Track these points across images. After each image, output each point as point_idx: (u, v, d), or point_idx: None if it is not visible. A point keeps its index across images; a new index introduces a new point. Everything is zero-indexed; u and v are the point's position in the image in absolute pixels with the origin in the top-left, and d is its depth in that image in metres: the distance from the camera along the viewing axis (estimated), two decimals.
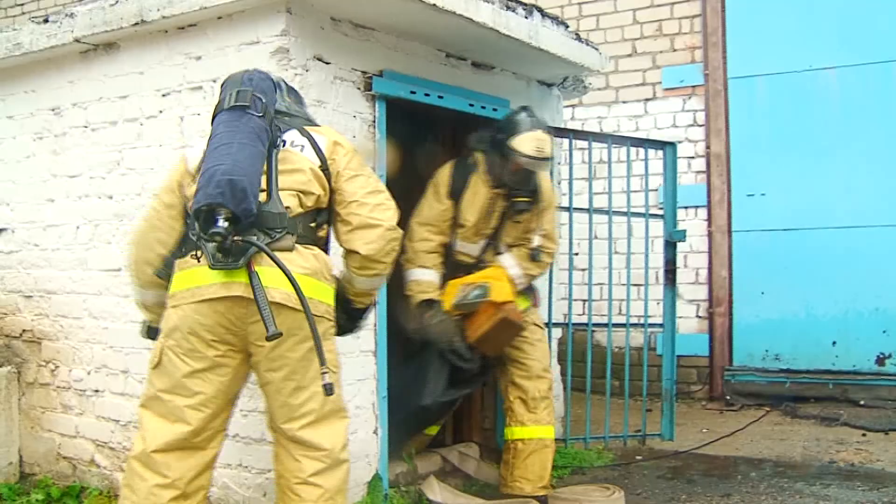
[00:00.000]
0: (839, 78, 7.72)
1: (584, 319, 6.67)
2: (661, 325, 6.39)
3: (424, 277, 5.02)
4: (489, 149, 5.01)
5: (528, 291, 5.27)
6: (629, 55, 8.48)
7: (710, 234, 8.07)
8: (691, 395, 8.05)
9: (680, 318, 8.02)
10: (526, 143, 4.81)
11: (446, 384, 5.02)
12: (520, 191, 4.96)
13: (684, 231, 6.41)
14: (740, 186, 8.00)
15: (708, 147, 8.10)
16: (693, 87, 8.23)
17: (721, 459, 6.16)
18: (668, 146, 6.41)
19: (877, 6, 7.62)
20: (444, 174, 5.09)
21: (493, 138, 4.99)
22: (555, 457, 5.81)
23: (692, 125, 8.21)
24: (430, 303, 4.98)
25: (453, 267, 5.12)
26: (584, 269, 6.76)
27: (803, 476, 5.64)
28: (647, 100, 8.42)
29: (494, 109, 5.67)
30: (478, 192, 5.01)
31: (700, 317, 8.12)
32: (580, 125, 8.49)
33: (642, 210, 6.32)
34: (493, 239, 5.13)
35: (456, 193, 5.03)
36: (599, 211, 6.22)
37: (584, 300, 6.78)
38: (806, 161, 7.68)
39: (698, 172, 8.17)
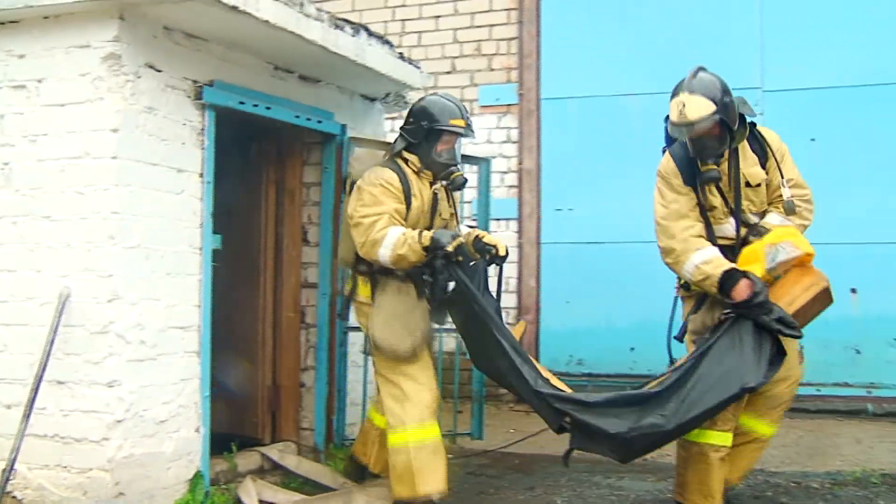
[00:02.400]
0: (641, 104, 8.32)
1: None
2: None
3: (711, 253, 4.58)
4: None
5: None
6: (449, 72, 8.86)
7: (520, 246, 8.52)
8: (500, 398, 8.46)
9: None
10: (671, 109, 4.65)
11: (769, 361, 4.43)
12: (702, 160, 4.61)
13: None
14: (550, 201, 8.50)
15: (520, 163, 8.58)
16: (508, 105, 8.69)
17: (527, 457, 6.54)
18: (482, 162, 6.79)
19: (675, 42, 8.31)
20: (669, 166, 4.83)
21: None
22: None
23: (506, 142, 8.67)
24: (732, 275, 4.45)
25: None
26: None
27: (602, 470, 6.07)
28: None
29: (319, 121, 5.92)
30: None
31: (510, 324, 8.54)
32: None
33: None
34: (734, 214, 4.72)
35: (689, 180, 4.72)
36: None
37: None
38: (611, 179, 8.20)
39: (511, 187, 8.62)
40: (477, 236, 5.03)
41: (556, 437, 6.98)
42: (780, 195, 4.70)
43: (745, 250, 4.59)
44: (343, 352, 6.24)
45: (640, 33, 8.46)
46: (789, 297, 4.48)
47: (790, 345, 4.61)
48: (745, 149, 4.72)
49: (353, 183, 5.07)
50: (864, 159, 7.75)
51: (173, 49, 4.86)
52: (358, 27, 5.72)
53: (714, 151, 4.59)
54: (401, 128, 5.11)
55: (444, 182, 5.08)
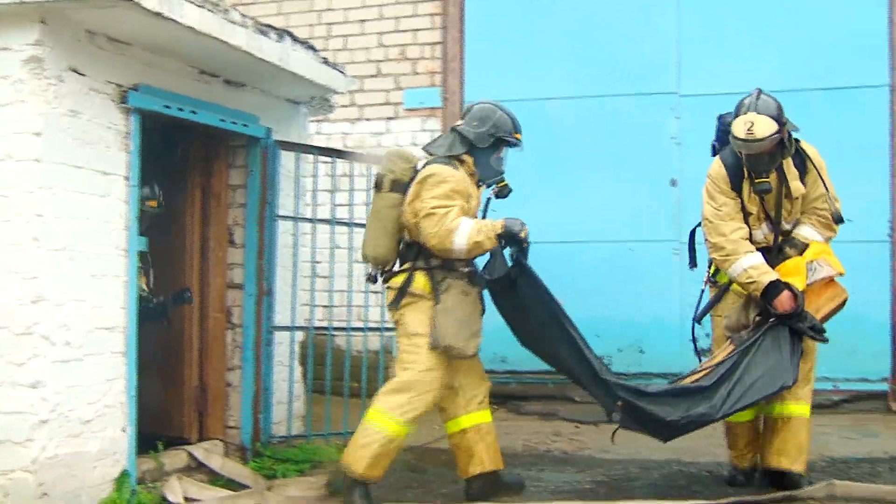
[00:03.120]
0: (564, 107, 8.55)
1: (326, 324, 7.04)
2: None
3: (758, 259, 5.13)
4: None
5: None
6: (374, 76, 8.98)
7: None
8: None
9: None
10: (738, 126, 5.01)
11: (797, 361, 5.08)
12: (757, 173, 5.11)
13: None
14: None
15: None
16: (432, 108, 8.83)
17: (450, 452, 6.67)
18: None
19: (595, 46, 8.56)
20: (721, 172, 5.35)
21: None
22: (296, 452, 6.24)
23: None
24: (777, 285, 5.02)
25: None
26: (326, 277, 7.14)
27: (523, 463, 6.26)
28: (390, 118, 8.94)
29: (244, 125, 6.01)
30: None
31: None
32: (326, 140, 8.88)
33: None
34: (773, 222, 5.27)
35: (736, 186, 5.28)
36: (341, 222, 6.66)
37: (327, 306, 7.17)
38: (535, 182, 8.36)
39: None
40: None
41: None
42: (816, 206, 5.27)
43: (790, 263, 5.18)
44: (269, 351, 6.33)
45: (562, 38, 8.65)
46: (816, 306, 5.15)
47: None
48: (788, 164, 5.22)
49: (393, 181, 5.23)
50: None
51: (97, 53, 4.90)
52: (282, 32, 5.82)
53: (768, 167, 5.12)
54: (460, 130, 5.32)
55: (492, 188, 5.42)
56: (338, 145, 8.81)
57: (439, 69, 8.82)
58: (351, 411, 6.60)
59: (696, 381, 5.23)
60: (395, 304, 5.21)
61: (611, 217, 8.36)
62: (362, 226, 6.57)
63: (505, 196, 5.49)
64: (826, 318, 5.24)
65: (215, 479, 5.73)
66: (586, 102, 8.50)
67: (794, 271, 5.15)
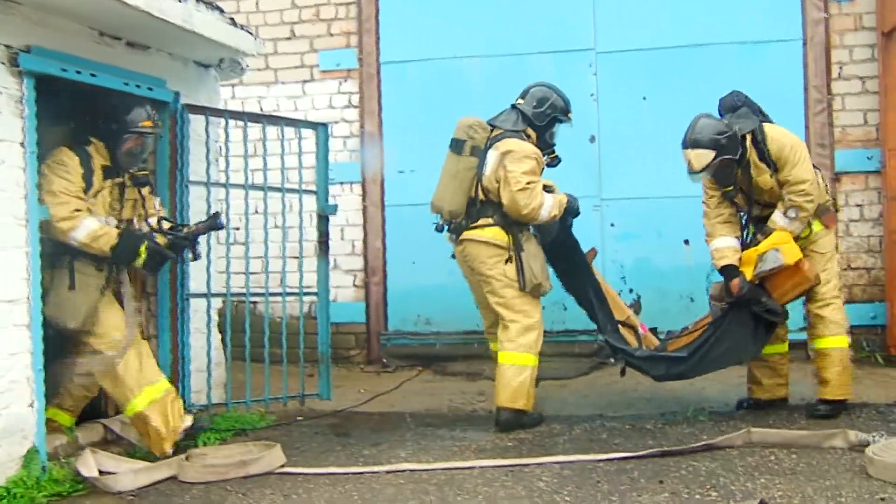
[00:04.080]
0: (479, 66, 8.47)
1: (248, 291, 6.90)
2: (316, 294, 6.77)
3: (721, 244, 5.99)
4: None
5: (822, 213, 5.96)
6: (288, 38, 8.81)
7: (364, 209, 8.59)
8: (351, 360, 8.56)
9: (338, 287, 8.55)
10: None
11: (760, 339, 5.96)
12: (721, 185, 5.94)
13: (335, 205, 6.81)
14: (392, 164, 8.58)
15: (362, 127, 8.61)
16: (348, 70, 8.70)
17: (376, 415, 6.66)
18: (320, 126, 6.79)
19: (510, 4, 8.51)
20: None
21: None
22: (217, 420, 6.15)
23: (348, 106, 8.68)
24: (729, 269, 5.90)
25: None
26: (243, 243, 7.00)
27: (447, 423, 6.27)
28: (305, 81, 8.79)
29: (150, 89, 5.82)
30: None
31: (357, 286, 8.63)
32: (240, 104, 8.73)
33: (299, 187, 6.68)
34: (748, 213, 6.06)
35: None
36: (256, 187, 6.52)
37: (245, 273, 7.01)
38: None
39: (354, 151, 8.66)
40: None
41: (406, 396, 7.23)
42: (789, 193, 5.77)
43: (745, 253, 5.90)
44: (185, 320, 6.18)
45: None
46: (782, 290, 5.86)
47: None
48: (755, 161, 5.86)
49: (473, 147, 6.17)
50: (692, 117, 8.02)
51: None
52: None
53: (728, 178, 5.87)
54: (521, 108, 6.23)
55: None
56: (254, 109, 8.66)
57: (354, 30, 8.69)
58: (273, 378, 6.52)
59: (677, 349, 6.18)
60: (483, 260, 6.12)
61: None
62: (278, 189, 6.55)
63: (555, 165, 6.31)
64: (791, 300, 5.93)
65: (134, 451, 5.61)
66: (503, 60, 8.42)
67: (746, 262, 5.87)
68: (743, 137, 5.82)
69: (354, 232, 8.64)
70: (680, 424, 5.92)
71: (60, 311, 5.23)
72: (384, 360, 8.44)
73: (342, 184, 8.59)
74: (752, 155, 5.85)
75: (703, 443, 5.25)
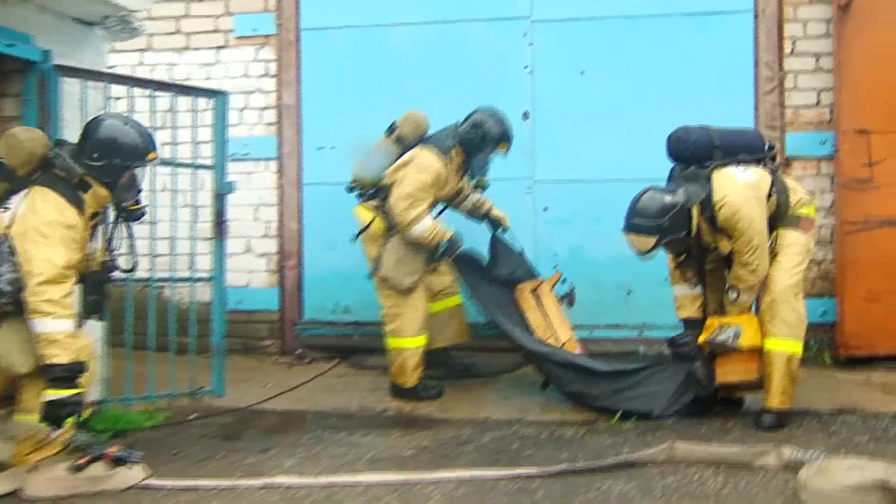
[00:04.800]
0: (408, 34, 7.81)
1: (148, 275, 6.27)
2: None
3: (677, 292, 5.75)
4: None
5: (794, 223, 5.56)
6: None
7: (281, 187, 7.92)
8: (263, 351, 7.92)
9: (251, 272, 7.95)
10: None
11: (679, 403, 5.63)
12: (672, 255, 5.71)
13: (232, 183, 6.26)
14: (311, 139, 7.92)
15: (280, 98, 7.94)
16: (266, 36, 7.99)
17: (278, 414, 6.10)
18: (218, 95, 6.18)
19: None
20: None
21: None
22: (94, 420, 5.51)
23: (264, 76, 7.98)
24: (686, 323, 5.68)
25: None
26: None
27: (350, 426, 5.70)
28: (220, 47, 8.06)
29: (10, 45, 5.15)
30: None
31: (271, 270, 7.99)
32: (149, 71, 8.02)
33: (206, 161, 6.10)
34: (699, 274, 5.68)
35: None
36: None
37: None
38: (376, 114, 7.46)
39: (269, 124, 7.98)
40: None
41: (315, 392, 6.63)
42: (738, 257, 5.40)
43: (711, 319, 5.57)
44: None
45: None
46: (729, 367, 5.47)
47: None
48: (706, 229, 5.45)
49: (399, 137, 6.39)
50: (634, 93, 7.48)
51: None
52: None
53: (681, 248, 5.54)
54: (459, 129, 6.31)
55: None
56: (163, 77, 7.95)
57: None
58: (180, 370, 6.04)
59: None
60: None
61: None
62: (188, 166, 5.97)
63: (483, 190, 6.72)
64: (731, 384, 5.54)
65: None
66: (432, 28, 7.76)
67: (708, 326, 5.54)
68: (689, 210, 5.38)
69: (269, 212, 7.97)
70: (602, 434, 5.36)
71: None
72: (299, 350, 7.80)
73: (257, 160, 7.93)
74: (704, 225, 5.43)
75: (620, 459, 4.68)
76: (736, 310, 5.50)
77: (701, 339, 5.51)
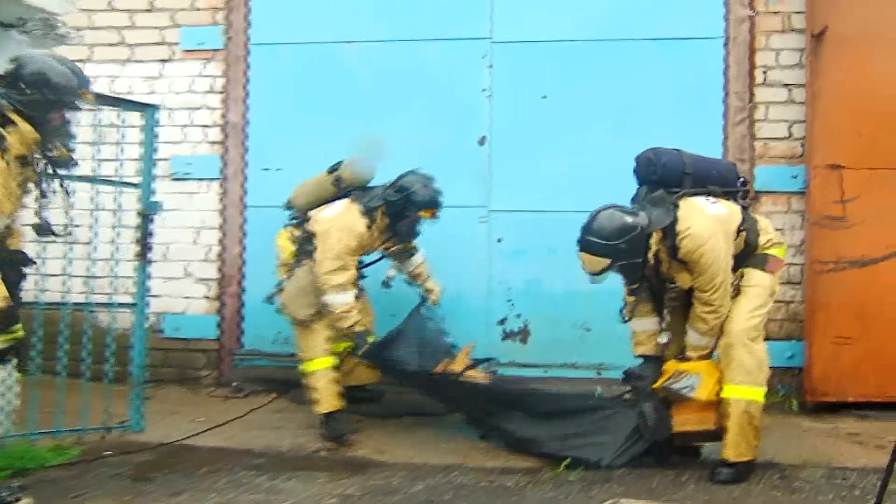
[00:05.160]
0: (362, 53, 7.43)
1: (68, 299, 5.84)
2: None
3: (633, 328, 5.36)
4: None
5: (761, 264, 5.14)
6: (147, 10, 7.65)
7: (223, 209, 7.48)
8: (199, 381, 7.44)
9: (189, 298, 7.50)
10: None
11: (636, 451, 5.18)
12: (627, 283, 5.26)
13: (158, 203, 5.83)
14: (257, 159, 7.50)
15: (226, 116, 7.51)
16: (213, 50, 7.57)
17: (203, 452, 5.65)
18: (147, 108, 5.78)
19: None
20: None
21: None
22: None
23: (210, 92, 7.56)
24: (647, 359, 5.28)
25: None
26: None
27: (277, 467, 5.28)
28: (165, 61, 7.64)
29: None
30: None
31: (210, 297, 7.53)
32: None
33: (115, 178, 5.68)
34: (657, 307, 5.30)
35: None
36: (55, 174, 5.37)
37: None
38: (325, 135, 7.18)
39: (214, 143, 7.55)
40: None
41: (248, 428, 6.17)
42: (698, 291, 5.00)
43: (669, 364, 5.17)
44: None
45: None
46: (685, 416, 5.05)
47: None
48: (665, 258, 5.02)
49: (338, 178, 6.12)
50: (598, 121, 7.11)
51: None
52: None
53: (634, 276, 5.07)
54: (385, 190, 5.98)
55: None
56: (104, 90, 7.50)
57: (222, 4, 7.55)
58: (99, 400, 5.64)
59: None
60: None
61: None
62: (112, 183, 5.79)
63: (407, 255, 6.37)
64: (686, 434, 5.12)
65: None
66: (388, 47, 7.37)
67: (666, 370, 5.16)
68: (648, 236, 4.98)
69: (210, 235, 7.53)
70: (545, 484, 4.93)
71: None
72: (235, 383, 7.33)
73: (200, 180, 7.50)
74: (662, 251, 5.02)
75: None
76: (696, 354, 5.09)
77: (657, 384, 5.12)
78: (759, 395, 4.93)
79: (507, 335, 7.21)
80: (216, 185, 7.52)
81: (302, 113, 7.45)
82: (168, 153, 7.36)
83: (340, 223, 5.79)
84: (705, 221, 4.93)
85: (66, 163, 4.58)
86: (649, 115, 6.95)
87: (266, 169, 7.48)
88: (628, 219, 4.94)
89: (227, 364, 7.45)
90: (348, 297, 5.76)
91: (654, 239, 4.97)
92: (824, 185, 6.57)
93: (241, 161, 7.50)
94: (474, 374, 5.88)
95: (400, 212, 5.93)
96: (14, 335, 4.30)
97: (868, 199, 6.52)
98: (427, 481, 4.97)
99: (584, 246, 4.95)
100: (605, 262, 4.90)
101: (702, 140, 6.67)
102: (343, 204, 5.91)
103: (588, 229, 4.96)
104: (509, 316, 7.20)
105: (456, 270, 7.10)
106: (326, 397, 5.86)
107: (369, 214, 5.87)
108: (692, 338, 5.08)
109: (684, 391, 4.98)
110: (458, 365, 5.92)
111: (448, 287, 6.79)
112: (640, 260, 4.96)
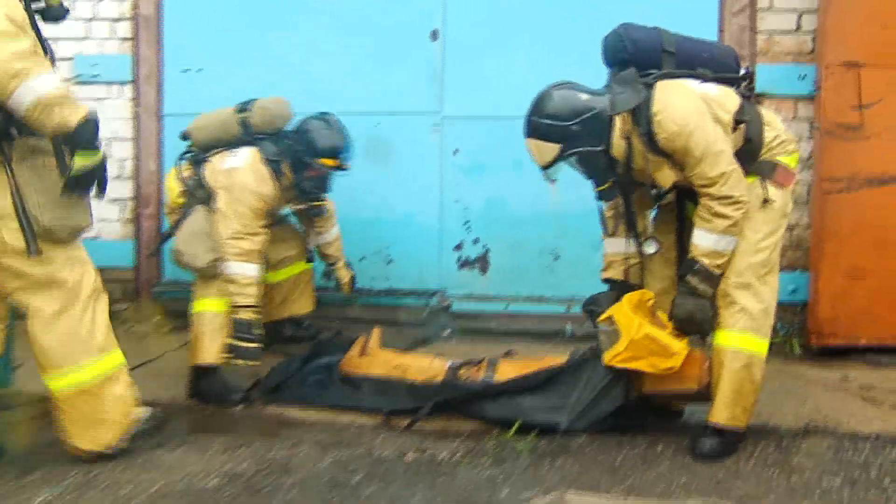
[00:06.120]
0: None
1: None
2: None
3: (607, 248, 4.51)
4: None
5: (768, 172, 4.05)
6: None
7: (137, 117, 6.47)
8: (117, 316, 6.47)
9: (101, 221, 6.46)
10: None
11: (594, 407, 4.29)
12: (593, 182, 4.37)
13: None
14: (174, 59, 6.47)
15: (136, 7, 6.44)
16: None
17: None
18: None
19: None
20: None
21: None
22: None
23: None
24: (613, 284, 4.48)
25: None
26: None
27: (165, 432, 4.39)
28: None
29: None
30: None
31: (125, 220, 6.57)
32: None
33: None
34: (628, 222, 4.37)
35: None
36: None
37: None
38: (256, 31, 6.34)
39: (124, 39, 6.48)
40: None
41: (154, 374, 5.28)
42: (694, 180, 3.97)
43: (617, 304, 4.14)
44: None
45: None
46: (655, 380, 4.07)
47: None
48: (640, 149, 4.01)
49: (245, 119, 5.16)
50: (569, 10, 6.10)
51: None
52: None
53: (600, 173, 4.18)
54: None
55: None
56: None
57: None
58: None
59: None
60: None
61: (352, 82, 6.29)
62: None
63: (320, 215, 5.62)
64: (665, 395, 4.17)
65: None
66: None
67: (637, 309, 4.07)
68: (610, 118, 4.00)
69: (123, 148, 6.53)
70: (484, 458, 4.00)
71: None
72: (157, 317, 6.41)
73: (109, 83, 6.48)
74: (637, 142, 3.99)
75: None
76: (713, 262, 3.93)
77: (600, 317, 4.17)
78: (762, 346, 3.96)
79: (464, 263, 6.28)
80: (127, 90, 6.50)
81: (226, 3, 6.40)
82: (70, 52, 6.39)
83: (243, 181, 4.96)
84: (688, 97, 3.93)
85: None
86: (629, 3, 5.86)
87: (185, 70, 6.46)
88: (584, 97, 4.02)
89: (146, 297, 6.53)
90: (252, 269, 4.92)
91: (619, 124, 4.00)
92: (838, 88, 5.54)
93: (156, 61, 6.47)
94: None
95: (300, 162, 5.13)
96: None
97: (891, 105, 5.49)
98: (341, 451, 4.05)
99: (532, 129, 4.06)
100: (555, 148, 3.99)
101: (692, 33, 5.62)
102: (247, 158, 5.05)
103: (535, 110, 4.08)
104: (466, 241, 6.25)
105: (403, 188, 6.22)
106: (209, 347, 4.94)
107: (276, 168, 5.06)
108: (706, 240, 3.94)
109: (602, 339, 4.12)
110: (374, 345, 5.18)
111: (395, 207, 5.85)
112: (601, 148, 4.01)
